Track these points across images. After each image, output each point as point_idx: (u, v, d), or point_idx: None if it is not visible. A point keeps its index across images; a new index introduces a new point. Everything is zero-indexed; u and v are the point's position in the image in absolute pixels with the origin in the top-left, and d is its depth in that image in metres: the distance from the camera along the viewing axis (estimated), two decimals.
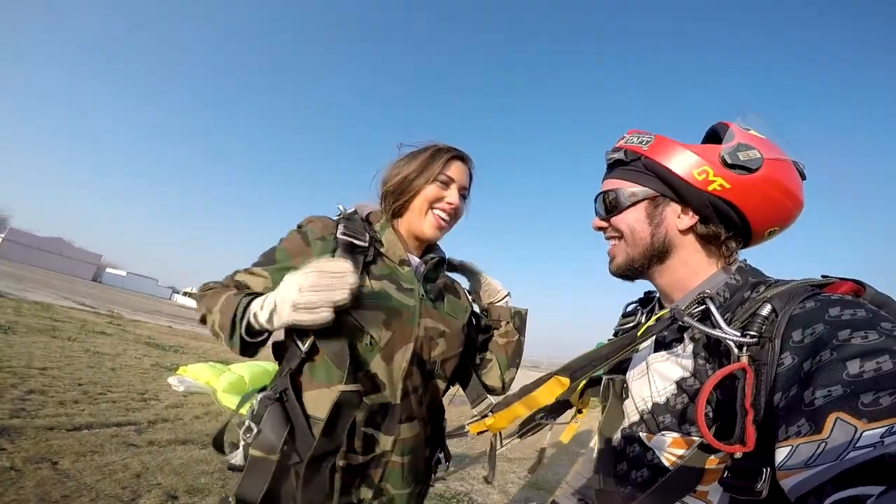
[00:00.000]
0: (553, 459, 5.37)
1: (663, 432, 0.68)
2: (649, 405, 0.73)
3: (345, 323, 0.90)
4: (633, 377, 0.79)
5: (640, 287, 0.86)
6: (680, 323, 0.67)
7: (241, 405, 1.01)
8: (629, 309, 0.95)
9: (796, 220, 0.74)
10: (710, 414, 0.63)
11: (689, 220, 0.74)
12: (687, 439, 0.64)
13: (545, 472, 4.88)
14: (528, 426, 1.07)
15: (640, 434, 0.72)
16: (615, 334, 0.92)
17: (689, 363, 0.68)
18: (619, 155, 0.79)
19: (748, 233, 0.73)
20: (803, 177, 0.72)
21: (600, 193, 0.82)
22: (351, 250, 0.98)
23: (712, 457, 0.59)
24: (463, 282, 1.29)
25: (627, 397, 0.80)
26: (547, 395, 0.77)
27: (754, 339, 0.58)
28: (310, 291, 0.80)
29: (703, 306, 0.68)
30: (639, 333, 0.70)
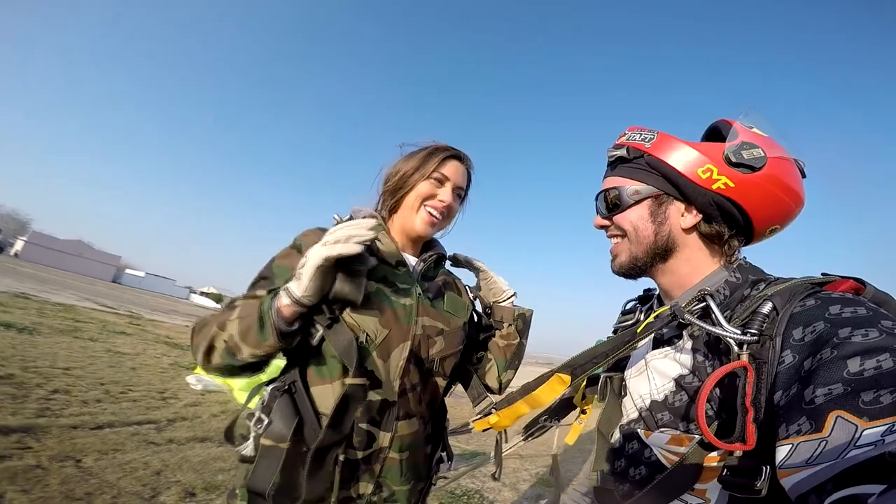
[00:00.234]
0: (565, 457, 5.36)
1: (662, 429, 0.68)
2: (648, 402, 0.73)
3: (344, 321, 0.93)
4: (632, 375, 0.79)
5: (641, 284, 0.85)
6: (680, 320, 0.67)
7: (250, 398, 1.03)
8: (628, 306, 0.94)
9: (796, 217, 0.73)
10: (710, 412, 0.62)
11: (693, 218, 0.73)
12: (685, 437, 0.64)
13: (560, 471, 4.87)
14: (533, 428, 1.07)
15: (639, 431, 0.72)
16: (615, 332, 0.91)
17: (688, 361, 0.68)
18: (622, 152, 0.78)
19: (750, 231, 0.73)
20: (803, 175, 0.72)
21: (602, 191, 0.82)
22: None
23: (711, 454, 0.59)
24: (468, 278, 1.29)
25: (626, 395, 0.80)
26: (549, 393, 0.77)
27: (755, 337, 0.58)
28: (338, 231, 0.86)
29: (704, 303, 0.67)
30: (638, 330, 0.70)
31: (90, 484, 2.45)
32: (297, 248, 1.01)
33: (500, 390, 1.22)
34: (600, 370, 0.79)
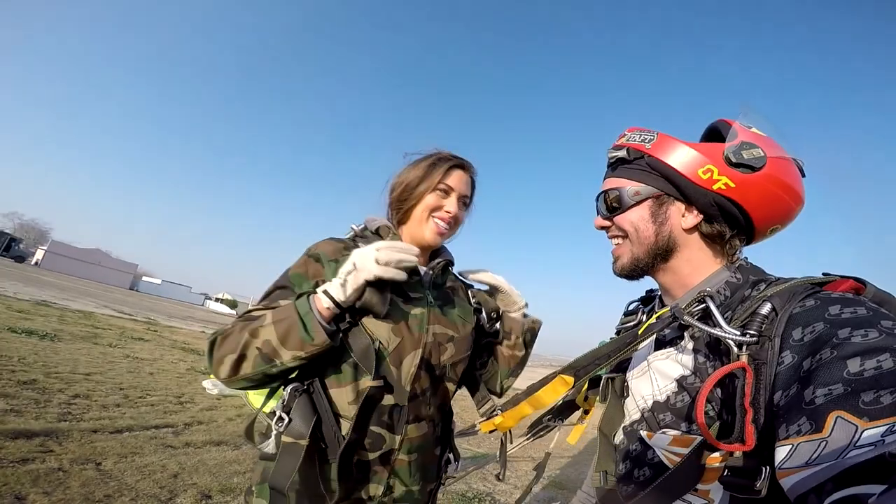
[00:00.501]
0: (576, 459, 5.31)
1: (664, 430, 0.68)
2: (650, 403, 0.73)
3: (362, 326, 0.97)
4: (634, 375, 0.80)
5: (643, 285, 0.86)
6: (680, 321, 0.67)
7: (266, 401, 1.06)
8: (630, 307, 0.94)
9: (797, 217, 0.73)
10: (711, 412, 0.62)
11: (694, 218, 0.74)
12: (687, 437, 0.64)
13: (569, 471, 4.84)
14: (537, 428, 1.08)
15: (641, 432, 0.73)
16: (617, 333, 0.92)
17: (689, 361, 0.68)
18: (622, 153, 0.78)
19: (751, 231, 0.73)
20: (803, 174, 0.72)
21: (602, 192, 0.82)
22: None
23: (713, 455, 0.59)
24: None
25: (628, 396, 0.80)
26: (552, 394, 0.78)
27: (754, 338, 0.58)
28: (389, 251, 0.91)
29: (704, 305, 0.67)
30: (640, 332, 0.71)
31: (110, 486, 2.51)
32: (315, 258, 1.03)
33: (501, 395, 1.24)
34: (603, 371, 0.79)
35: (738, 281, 0.71)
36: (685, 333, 0.71)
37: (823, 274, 0.64)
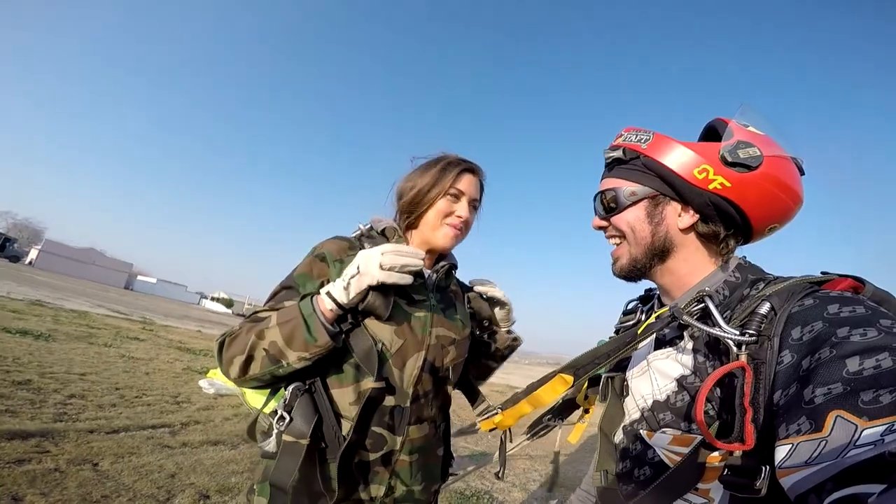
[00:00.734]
0: (574, 457, 5.33)
1: (664, 430, 0.68)
2: (650, 403, 0.73)
3: (365, 328, 0.98)
4: (634, 375, 0.80)
5: (642, 284, 0.86)
6: (679, 321, 0.67)
7: (267, 402, 1.06)
8: (629, 307, 0.95)
9: (796, 215, 0.73)
10: (711, 412, 0.63)
11: (690, 218, 0.74)
12: (687, 437, 0.64)
13: (567, 469, 4.86)
14: (537, 427, 1.08)
15: (641, 432, 0.73)
16: (616, 332, 0.92)
17: (689, 361, 0.68)
18: (618, 153, 0.78)
19: (749, 230, 0.73)
20: (802, 172, 0.72)
21: (599, 193, 0.82)
22: None
23: (713, 454, 0.59)
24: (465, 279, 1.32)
25: (628, 395, 0.80)
26: (551, 393, 0.78)
27: (753, 338, 0.58)
28: (393, 255, 0.91)
29: (703, 304, 0.67)
30: (639, 331, 0.71)
31: (106, 487, 2.50)
32: (320, 257, 1.03)
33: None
34: (602, 370, 0.79)
35: (737, 280, 0.71)
36: (685, 333, 0.71)
37: (822, 273, 0.64)
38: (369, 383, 0.95)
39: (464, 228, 1.13)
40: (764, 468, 0.53)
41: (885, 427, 0.42)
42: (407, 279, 0.93)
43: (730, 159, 0.67)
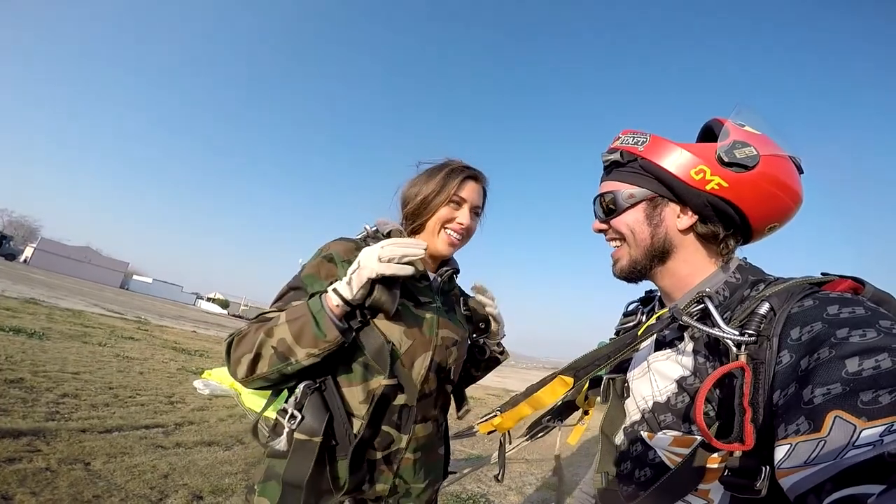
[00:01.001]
0: (571, 460, 5.32)
1: (664, 431, 0.68)
2: (650, 404, 0.73)
3: (375, 326, 1.00)
4: (634, 376, 0.80)
5: (643, 286, 0.86)
6: (679, 322, 0.67)
7: (268, 405, 1.05)
8: (630, 308, 0.95)
9: (795, 214, 0.73)
10: (711, 413, 0.63)
11: (689, 219, 0.74)
12: (688, 438, 0.64)
13: (564, 471, 4.84)
14: (536, 429, 1.08)
15: (642, 433, 0.73)
16: (616, 333, 0.92)
17: (689, 362, 0.68)
18: (615, 156, 0.79)
19: (748, 230, 0.73)
20: (801, 171, 0.72)
21: (598, 195, 0.83)
22: None
23: (713, 455, 0.59)
24: (465, 282, 1.35)
25: (628, 396, 0.80)
26: (551, 395, 0.78)
27: (752, 338, 0.58)
28: (392, 247, 0.92)
29: (702, 305, 0.67)
30: (639, 332, 0.71)
31: (98, 487, 2.47)
32: (328, 258, 1.05)
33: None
34: (603, 372, 0.79)
35: (738, 281, 0.71)
36: (685, 334, 0.71)
37: (822, 274, 0.64)
38: (379, 382, 0.97)
39: (465, 235, 1.15)
40: (764, 469, 0.53)
41: (884, 427, 0.41)
42: (407, 269, 0.93)
43: (726, 159, 0.68)
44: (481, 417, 0.98)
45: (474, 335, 1.29)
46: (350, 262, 1.02)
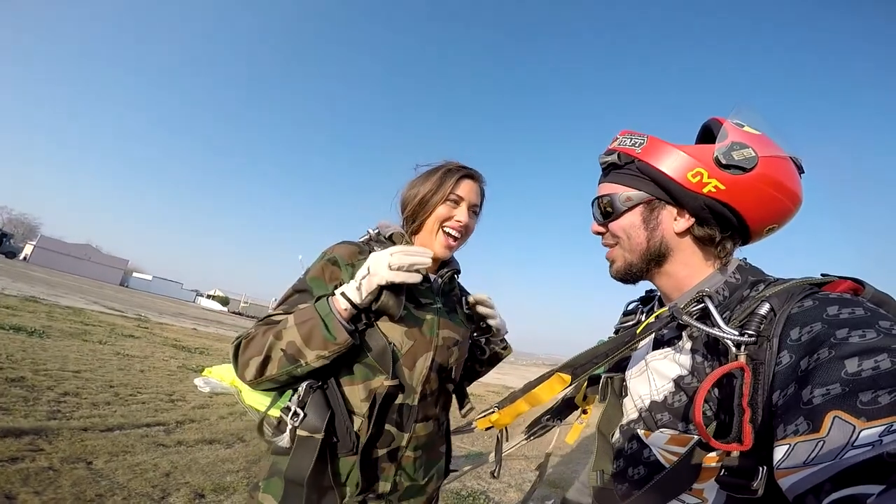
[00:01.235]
0: (569, 457, 5.34)
1: (661, 430, 0.69)
2: (647, 403, 0.73)
3: (378, 328, 1.01)
4: (632, 375, 0.80)
5: (643, 286, 0.86)
6: (678, 321, 0.67)
7: (273, 403, 1.06)
8: (630, 307, 0.95)
9: (795, 215, 0.73)
10: (709, 412, 0.63)
11: (686, 222, 0.73)
12: (684, 437, 0.64)
13: (562, 469, 4.87)
14: (536, 427, 1.09)
15: (639, 431, 0.73)
16: (616, 332, 0.92)
17: (687, 361, 0.68)
18: (613, 158, 0.78)
19: (746, 231, 0.72)
20: (801, 171, 0.71)
21: (596, 198, 0.82)
22: None
23: (710, 455, 0.59)
24: (465, 282, 1.35)
25: (626, 395, 0.80)
26: (549, 392, 0.78)
27: (752, 338, 0.58)
28: (401, 255, 0.94)
29: (702, 305, 0.67)
30: (637, 331, 0.71)
31: (101, 485, 2.48)
32: (332, 261, 1.06)
33: None
34: (601, 370, 0.79)
35: (737, 281, 0.71)
36: (683, 333, 0.70)
37: (822, 275, 0.64)
38: (379, 381, 0.99)
39: (463, 233, 1.15)
40: (761, 469, 0.53)
41: (883, 428, 0.42)
42: (416, 277, 0.96)
43: (724, 161, 0.67)
44: (479, 414, 0.99)
45: (475, 334, 1.30)
46: (353, 266, 1.04)
